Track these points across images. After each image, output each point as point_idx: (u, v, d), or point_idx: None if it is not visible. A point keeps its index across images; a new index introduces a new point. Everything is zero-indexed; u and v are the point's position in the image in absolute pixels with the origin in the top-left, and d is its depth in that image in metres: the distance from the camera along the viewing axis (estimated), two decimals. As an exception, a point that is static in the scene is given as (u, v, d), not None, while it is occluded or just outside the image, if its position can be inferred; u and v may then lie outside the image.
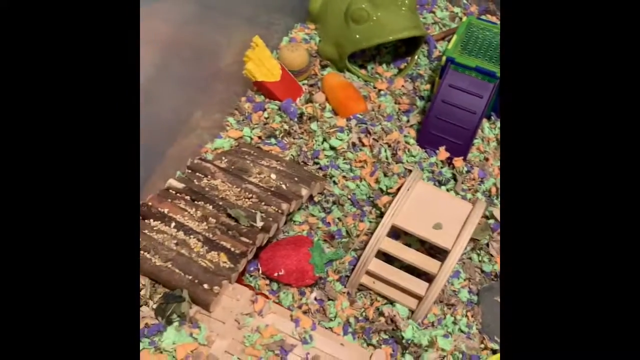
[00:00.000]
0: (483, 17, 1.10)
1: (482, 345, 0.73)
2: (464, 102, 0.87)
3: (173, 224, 0.67)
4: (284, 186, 0.76)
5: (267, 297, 0.70)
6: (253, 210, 0.71)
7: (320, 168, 0.87)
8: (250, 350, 0.61)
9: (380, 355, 0.65)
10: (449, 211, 0.77)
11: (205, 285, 0.63)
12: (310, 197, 0.83)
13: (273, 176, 0.77)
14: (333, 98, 0.94)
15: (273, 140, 0.90)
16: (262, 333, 0.62)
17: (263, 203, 0.73)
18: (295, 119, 0.91)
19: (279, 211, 0.72)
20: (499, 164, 0.89)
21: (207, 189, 0.73)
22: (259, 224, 0.70)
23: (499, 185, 0.85)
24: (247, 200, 0.72)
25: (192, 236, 0.66)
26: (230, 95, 0.93)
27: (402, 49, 1.05)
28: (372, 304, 0.75)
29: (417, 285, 0.73)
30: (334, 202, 0.84)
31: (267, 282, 0.76)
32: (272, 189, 0.75)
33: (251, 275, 0.76)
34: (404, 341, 0.70)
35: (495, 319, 0.75)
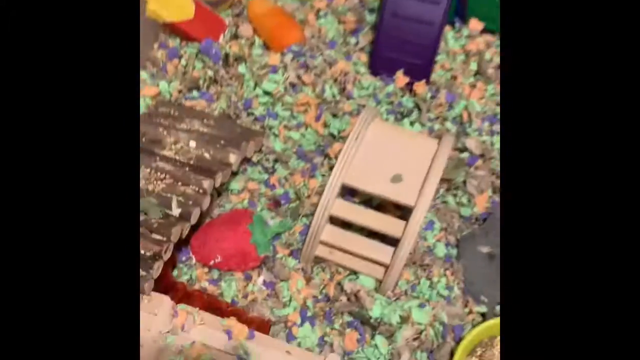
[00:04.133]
0: None
1: (467, 309, 0.64)
2: (418, 11, 0.73)
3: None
4: (206, 155, 0.65)
5: (191, 294, 0.60)
6: (167, 195, 0.60)
7: (256, 119, 0.75)
8: (174, 378, 0.53)
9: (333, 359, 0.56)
10: (411, 155, 0.65)
11: (112, 304, 0.53)
12: (248, 159, 0.72)
13: (192, 144, 0.66)
14: (262, 29, 0.81)
15: (196, 93, 0.77)
16: (188, 353, 0.54)
17: (180, 183, 0.62)
18: (220, 62, 0.78)
19: (200, 191, 0.61)
20: (469, 80, 0.77)
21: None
22: (175, 211, 0.59)
23: (471, 109, 0.74)
24: (159, 182, 0.61)
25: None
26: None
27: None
28: (333, 279, 0.66)
29: (380, 252, 0.64)
30: (276, 160, 0.73)
31: (206, 270, 0.67)
32: (192, 161, 0.64)
33: (185, 265, 0.67)
34: (371, 321, 0.62)
35: (480, 273, 0.66)
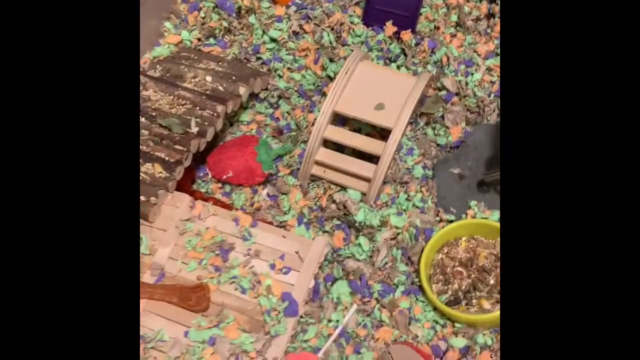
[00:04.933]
0: None
1: (437, 218, 0.76)
2: (405, -31, 0.85)
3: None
4: (220, 87, 0.78)
5: (207, 199, 0.73)
6: (187, 117, 0.73)
7: (263, 63, 0.87)
8: (192, 254, 0.66)
9: (320, 242, 0.69)
10: (393, 88, 0.77)
11: (142, 197, 0.66)
12: (255, 95, 0.84)
13: (209, 78, 0.78)
14: (270, -14, 0.93)
15: (213, 41, 0.90)
16: (203, 236, 0.67)
17: (198, 108, 0.74)
18: (234, 14, 0.91)
19: (215, 114, 0.74)
20: (450, 31, 0.88)
21: (143, 101, 0.75)
22: (194, 129, 0.72)
23: (450, 55, 0.85)
24: (180, 107, 0.74)
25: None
26: (162, -2, 0.92)
27: None
28: (325, 193, 0.78)
29: (364, 168, 0.76)
30: (280, 97, 0.85)
31: (220, 185, 0.79)
32: (208, 92, 0.77)
33: (203, 181, 0.80)
34: (356, 224, 0.74)
35: (451, 190, 0.77)
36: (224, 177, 0.78)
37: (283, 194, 0.79)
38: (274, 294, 0.64)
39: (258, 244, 0.67)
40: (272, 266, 0.66)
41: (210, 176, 0.79)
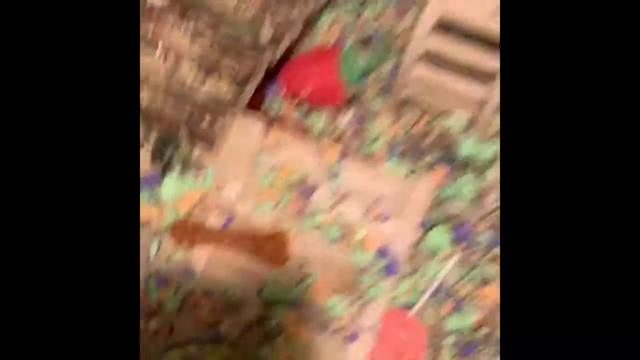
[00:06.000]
0: None
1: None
2: None
3: (158, 50, 0.56)
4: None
5: (285, 125, 0.60)
6: (257, 22, 0.58)
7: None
8: (267, 193, 0.54)
9: (426, 185, 0.56)
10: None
11: (207, 118, 0.54)
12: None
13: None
14: None
15: None
16: (280, 171, 0.54)
17: (268, 12, 0.60)
18: None
19: (291, 18, 0.59)
20: None
21: (199, -2, 0.60)
22: (266, 36, 0.58)
23: None
24: (248, 10, 0.59)
25: (184, 60, 0.56)
26: None
27: None
28: (422, 117, 0.64)
29: (475, 88, 0.61)
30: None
31: (295, 104, 0.66)
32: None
33: (274, 101, 0.67)
34: (460, 159, 0.61)
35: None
36: (302, 93, 0.64)
37: (369, 118, 0.65)
38: (368, 249, 0.52)
39: (346, 185, 0.54)
40: (366, 212, 0.54)
41: (282, 95, 0.66)
